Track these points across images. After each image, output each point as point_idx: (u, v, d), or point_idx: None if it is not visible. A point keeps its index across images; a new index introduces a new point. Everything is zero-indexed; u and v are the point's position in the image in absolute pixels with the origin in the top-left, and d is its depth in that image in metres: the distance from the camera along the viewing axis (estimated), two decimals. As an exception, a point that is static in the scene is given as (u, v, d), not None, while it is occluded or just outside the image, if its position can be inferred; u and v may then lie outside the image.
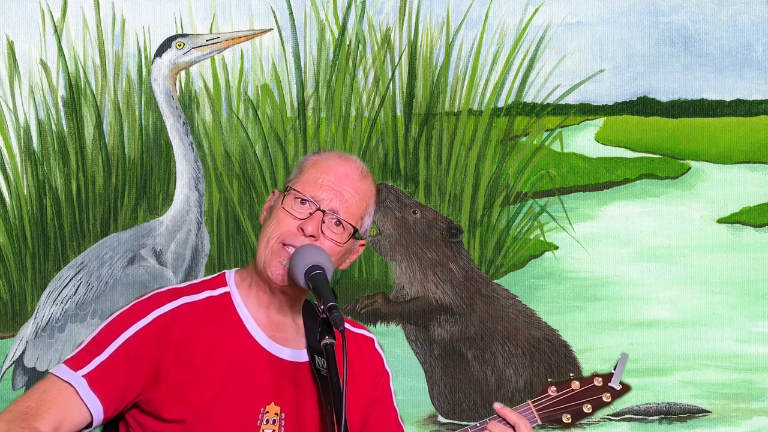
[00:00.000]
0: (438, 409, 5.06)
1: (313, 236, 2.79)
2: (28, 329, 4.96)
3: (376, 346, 3.04)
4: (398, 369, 5.06)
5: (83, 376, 2.75)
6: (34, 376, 4.93)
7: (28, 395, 2.77)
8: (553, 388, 3.03)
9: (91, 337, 2.81)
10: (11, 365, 4.96)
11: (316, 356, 2.83)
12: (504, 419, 2.91)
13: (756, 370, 5.10)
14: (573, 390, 3.04)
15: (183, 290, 2.87)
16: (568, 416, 3.02)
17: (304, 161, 2.91)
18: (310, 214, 2.81)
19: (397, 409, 3.04)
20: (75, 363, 2.78)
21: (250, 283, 2.88)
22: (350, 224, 2.84)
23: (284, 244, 2.80)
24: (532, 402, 3.01)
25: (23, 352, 4.94)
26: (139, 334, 2.78)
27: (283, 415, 2.82)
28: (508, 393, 5.05)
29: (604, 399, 3.04)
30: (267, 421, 2.81)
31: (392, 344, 5.03)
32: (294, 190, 2.83)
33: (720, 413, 5.08)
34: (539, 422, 3.00)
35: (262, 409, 2.81)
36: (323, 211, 2.81)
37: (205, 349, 2.80)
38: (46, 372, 4.89)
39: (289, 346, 2.86)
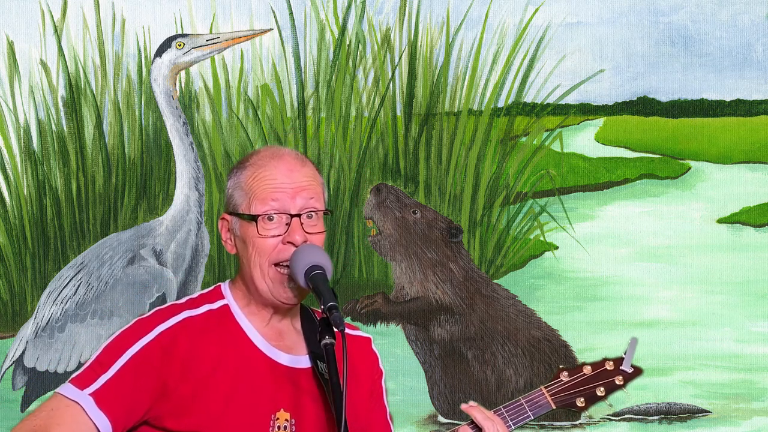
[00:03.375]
0: (438, 409, 5.05)
1: (305, 241, 2.78)
2: (28, 329, 4.96)
3: (373, 346, 3.05)
4: (398, 369, 5.09)
5: (90, 394, 2.75)
6: (34, 376, 4.93)
7: (36, 414, 2.76)
8: (565, 373, 3.08)
9: (94, 356, 2.81)
10: (11, 365, 4.96)
11: (318, 361, 2.84)
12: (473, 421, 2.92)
13: (756, 370, 5.10)
14: (585, 374, 3.09)
15: (183, 305, 2.87)
16: (582, 400, 3.07)
17: (238, 181, 2.83)
18: (287, 225, 2.79)
19: (387, 408, 3.04)
20: (81, 382, 2.77)
21: (249, 301, 2.87)
22: (323, 209, 2.83)
23: (279, 265, 2.80)
24: (545, 387, 3.06)
25: (23, 352, 4.94)
26: (144, 350, 2.78)
27: (293, 420, 2.83)
28: (508, 393, 5.05)
29: (617, 382, 3.10)
30: (279, 427, 2.82)
31: (392, 344, 5.03)
32: (260, 216, 2.79)
33: (720, 413, 5.08)
34: (553, 407, 3.04)
35: (272, 416, 2.82)
36: (297, 216, 2.79)
37: (211, 361, 2.80)
38: (46, 372, 4.90)
39: (291, 353, 2.86)
